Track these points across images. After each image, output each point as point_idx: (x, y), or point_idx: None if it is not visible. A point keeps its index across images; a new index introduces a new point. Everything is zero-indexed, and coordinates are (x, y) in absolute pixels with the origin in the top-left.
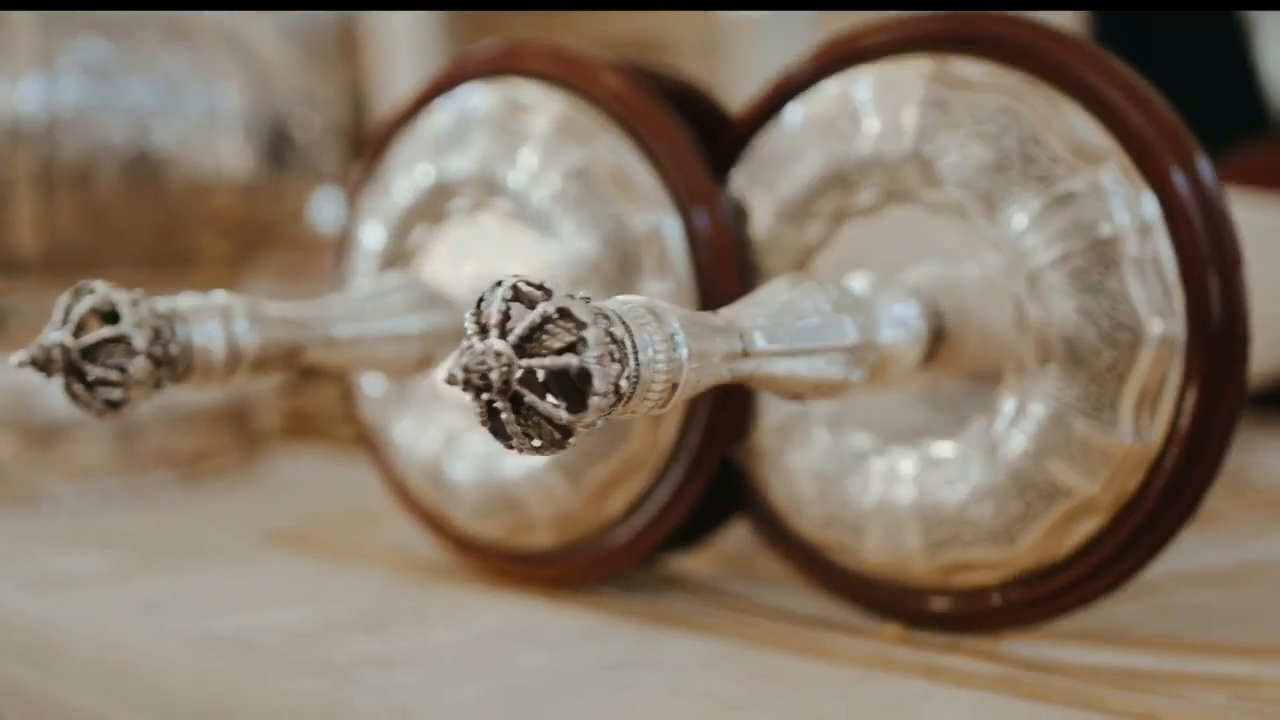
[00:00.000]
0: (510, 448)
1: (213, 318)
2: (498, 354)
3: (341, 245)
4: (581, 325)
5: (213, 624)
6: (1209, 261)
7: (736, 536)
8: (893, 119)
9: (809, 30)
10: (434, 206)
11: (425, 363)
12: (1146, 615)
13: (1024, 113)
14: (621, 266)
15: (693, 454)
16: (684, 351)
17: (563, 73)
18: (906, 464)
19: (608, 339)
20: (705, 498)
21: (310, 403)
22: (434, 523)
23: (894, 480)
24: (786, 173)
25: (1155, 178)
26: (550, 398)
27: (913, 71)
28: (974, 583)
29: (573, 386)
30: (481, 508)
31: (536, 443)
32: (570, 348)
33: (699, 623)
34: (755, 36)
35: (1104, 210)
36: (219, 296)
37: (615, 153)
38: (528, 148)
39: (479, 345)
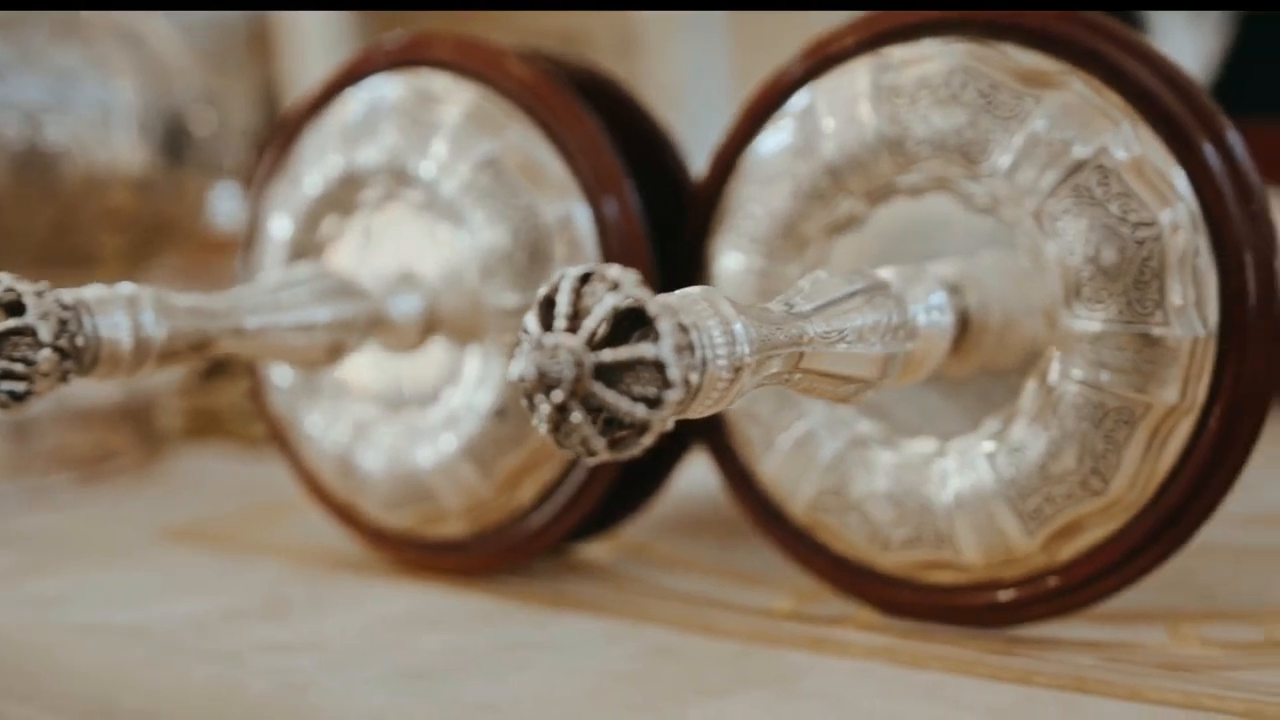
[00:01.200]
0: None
1: (119, 309)
2: (577, 363)
3: (249, 238)
4: (668, 385)
5: (109, 616)
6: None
7: (634, 524)
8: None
9: (726, 29)
10: (344, 198)
11: (335, 353)
12: None
13: (1168, 241)
14: (532, 257)
15: None
16: (744, 385)
17: (471, 62)
18: (842, 430)
19: (684, 393)
20: (613, 488)
21: (213, 401)
22: (345, 514)
23: (820, 432)
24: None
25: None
26: (597, 426)
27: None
28: (836, 549)
29: (618, 424)
30: (392, 498)
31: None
32: (646, 400)
33: (595, 604)
34: (672, 35)
35: (1167, 376)
36: (126, 288)
37: (525, 143)
38: (438, 138)
39: (562, 352)
